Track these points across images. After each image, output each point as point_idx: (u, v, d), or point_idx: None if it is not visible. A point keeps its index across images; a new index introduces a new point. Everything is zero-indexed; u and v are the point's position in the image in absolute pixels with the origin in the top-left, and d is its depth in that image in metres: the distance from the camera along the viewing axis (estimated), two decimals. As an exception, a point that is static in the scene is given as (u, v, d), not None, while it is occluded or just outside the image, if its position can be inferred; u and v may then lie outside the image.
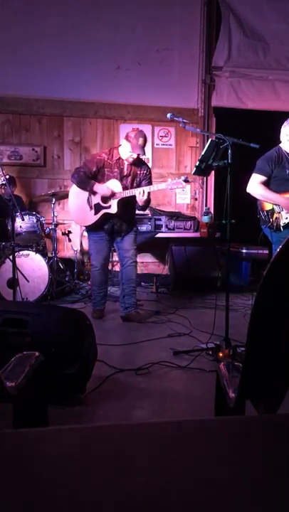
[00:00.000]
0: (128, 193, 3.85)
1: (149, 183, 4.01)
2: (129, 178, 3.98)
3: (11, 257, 3.92)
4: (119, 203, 3.88)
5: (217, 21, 6.30)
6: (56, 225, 5.11)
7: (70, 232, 5.44)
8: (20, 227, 4.62)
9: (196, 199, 6.49)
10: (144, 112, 6.17)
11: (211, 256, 5.70)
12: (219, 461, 0.67)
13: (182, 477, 0.62)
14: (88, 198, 4.01)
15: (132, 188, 3.92)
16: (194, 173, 3.38)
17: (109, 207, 3.92)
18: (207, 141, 3.21)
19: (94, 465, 0.65)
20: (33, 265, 4.54)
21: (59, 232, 5.35)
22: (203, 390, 2.44)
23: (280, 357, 1.05)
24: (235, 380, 1.19)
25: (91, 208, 4.00)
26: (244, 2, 6.20)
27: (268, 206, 3.69)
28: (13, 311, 2.41)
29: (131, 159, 3.91)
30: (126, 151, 3.91)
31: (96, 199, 3.97)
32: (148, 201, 3.92)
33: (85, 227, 4.17)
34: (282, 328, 1.01)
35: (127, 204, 3.95)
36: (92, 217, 4.00)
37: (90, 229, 4.11)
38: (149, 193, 3.84)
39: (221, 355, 3.01)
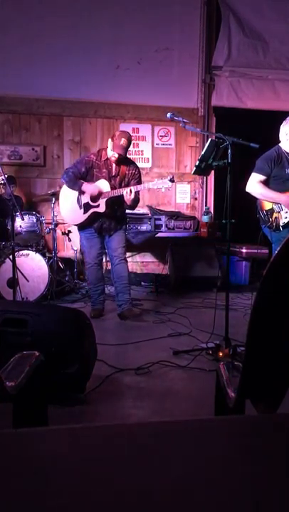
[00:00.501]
0: (116, 192, 3.92)
1: (138, 182, 4.07)
2: (118, 178, 4.05)
3: (10, 256, 3.92)
4: (107, 202, 3.96)
5: (217, 21, 6.29)
6: (56, 225, 5.11)
7: (69, 231, 5.44)
8: (20, 226, 4.62)
9: (196, 199, 6.49)
10: (143, 111, 6.16)
11: (211, 256, 5.70)
12: (219, 460, 0.67)
13: (182, 477, 0.62)
14: (78, 197, 4.10)
15: (120, 187, 3.98)
16: (194, 173, 3.39)
17: (97, 206, 4.00)
18: (207, 140, 3.21)
19: (94, 465, 0.65)
20: (33, 265, 4.54)
21: (59, 232, 5.34)
22: (203, 389, 2.44)
23: (279, 357, 1.05)
24: (235, 379, 1.19)
25: (80, 207, 4.09)
26: (244, 2, 6.19)
27: (267, 206, 3.69)
28: (13, 311, 2.41)
29: (113, 158, 3.98)
30: (110, 151, 4.01)
31: (85, 198, 4.06)
32: (136, 200, 3.98)
33: (76, 226, 4.25)
34: (282, 327, 1.01)
35: (116, 203, 4.02)
36: (82, 217, 4.09)
37: (81, 227, 4.19)
38: (137, 193, 3.91)
39: (220, 354, 3.01)
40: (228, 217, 3.08)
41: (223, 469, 0.65)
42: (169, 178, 3.90)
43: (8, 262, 4.23)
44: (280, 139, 3.73)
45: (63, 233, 5.41)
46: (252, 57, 6.32)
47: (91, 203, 4.03)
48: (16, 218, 4.18)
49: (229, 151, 3.02)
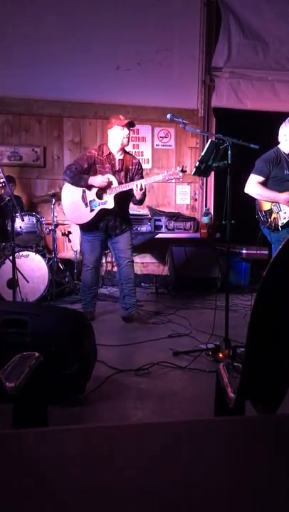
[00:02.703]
0: (124, 186, 3.77)
1: (141, 177, 3.97)
2: (122, 173, 3.90)
3: (10, 257, 3.92)
4: (115, 197, 3.79)
5: (217, 22, 6.30)
6: (56, 226, 5.11)
7: (69, 232, 5.44)
8: (20, 227, 4.62)
9: (195, 200, 6.49)
10: (143, 112, 6.16)
11: (211, 256, 5.70)
12: (219, 461, 0.67)
13: (182, 477, 0.62)
14: (82, 195, 3.90)
15: (126, 182, 3.84)
16: (194, 174, 3.39)
17: (105, 202, 3.83)
18: (207, 141, 3.21)
19: (94, 465, 0.65)
20: (33, 266, 4.54)
21: (59, 233, 5.34)
22: (203, 390, 2.44)
23: (279, 357, 1.05)
24: (235, 380, 1.19)
25: (86, 204, 3.88)
26: (244, 3, 6.20)
27: (266, 206, 3.70)
28: (13, 312, 2.41)
29: (125, 141, 3.86)
30: (112, 144, 3.87)
31: (91, 195, 3.87)
32: (145, 194, 3.85)
33: (80, 225, 4.03)
34: (282, 328, 1.01)
35: (123, 199, 3.88)
36: (89, 215, 3.88)
37: (85, 228, 4.00)
38: (144, 187, 3.78)
39: (220, 355, 3.01)
40: (228, 218, 3.08)
41: (223, 470, 0.65)
42: (179, 168, 3.80)
43: (8, 263, 4.23)
44: (279, 140, 3.74)
45: (63, 234, 5.41)
46: (252, 58, 6.32)
47: (97, 200, 3.86)
48: (16, 219, 4.18)
49: (229, 151, 3.03)
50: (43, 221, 4.97)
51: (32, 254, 4.56)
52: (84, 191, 3.89)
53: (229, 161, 3.03)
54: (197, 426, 0.80)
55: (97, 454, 0.68)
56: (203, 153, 3.15)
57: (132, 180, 3.89)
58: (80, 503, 0.56)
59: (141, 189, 3.71)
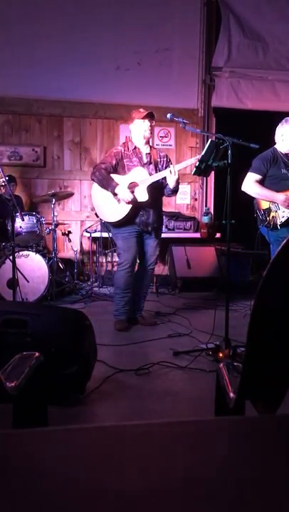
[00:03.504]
0: (156, 176, 3.67)
1: (169, 164, 3.86)
2: (151, 165, 3.79)
3: (10, 257, 3.92)
4: (148, 189, 3.65)
5: (217, 22, 6.31)
6: (56, 226, 5.11)
7: (70, 232, 5.44)
8: (20, 227, 4.62)
9: (196, 199, 6.49)
10: (144, 112, 6.16)
11: (211, 256, 5.71)
12: (219, 461, 0.67)
13: (182, 477, 0.62)
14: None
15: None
16: (194, 174, 3.38)
17: (138, 196, 3.67)
18: (207, 141, 3.20)
19: (94, 465, 0.65)
20: (33, 265, 4.54)
21: (59, 233, 5.35)
22: (203, 390, 2.44)
23: (279, 357, 1.05)
24: (235, 380, 1.19)
25: (119, 200, 3.70)
26: (244, 3, 6.20)
27: (264, 205, 3.72)
28: (13, 312, 2.41)
29: (146, 134, 3.76)
30: (136, 138, 3.79)
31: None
32: (178, 182, 3.71)
33: (113, 223, 3.80)
34: (282, 328, 1.01)
35: (156, 192, 3.75)
36: (123, 210, 3.70)
37: (119, 224, 3.77)
38: (178, 174, 3.63)
39: (220, 355, 3.01)
40: (228, 218, 3.08)
41: (223, 470, 0.65)
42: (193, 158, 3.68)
43: (8, 263, 4.23)
44: (276, 140, 3.78)
45: (63, 234, 5.41)
46: (252, 58, 6.33)
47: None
48: (16, 219, 4.17)
49: (229, 151, 3.03)
50: (43, 221, 4.97)
51: (32, 254, 4.56)
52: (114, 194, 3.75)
53: (229, 161, 3.03)
54: (197, 426, 0.80)
55: (97, 454, 0.68)
56: (203, 153, 3.15)
57: (165, 169, 3.77)
58: (80, 504, 0.56)
59: (175, 174, 3.60)
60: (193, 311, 4.58)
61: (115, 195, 3.68)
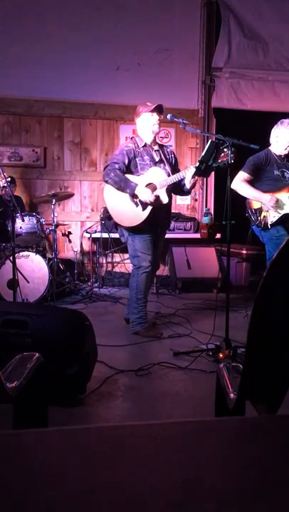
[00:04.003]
0: (175, 177, 3.48)
1: (177, 161, 3.80)
2: (164, 164, 3.63)
3: (11, 258, 3.92)
4: (168, 190, 3.52)
5: (217, 22, 6.31)
6: (56, 226, 5.11)
7: (70, 233, 5.44)
8: (21, 228, 4.62)
9: (196, 200, 6.49)
10: (144, 112, 6.16)
11: (211, 257, 5.71)
12: (219, 461, 0.67)
13: (182, 478, 0.62)
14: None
15: (172, 173, 3.58)
16: (194, 174, 3.39)
17: (157, 198, 3.50)
18: (207, 142, 3.21)
19: (94, 466, 0.65)
20: (33, 266, 4.54)
21: (59, 233, 5.35)
22: (204, 390, 2.44)
23: (280, 358, 1.05)
24: (236, 380, 1.19)
25: (137, 204, 3.49)
26: (244, 3, 6.20)
27: (256, 205, 3.75)
28: (13, 312, 2.41)
29: (156, 128, 3.59)
30: (147, 130, 3.61)
31: None
32: (196, 183, 3.62)
33: (133, 228, 3.57)
34: (283, 328, 1.01)
35: (169, 191, 3.59)
36: (142, 214, 3.49)
37: (138, 228, 3.55)
38: None
39: (221, 356, 3.01)
40: (228, 219, 3.08)
41: (223, 471, 0.65)
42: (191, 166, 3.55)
43: (8, 263, 4.23)
44: (271, 141, 3.81)
45: (63, 234, 5.41)
46: (252, 59, 6.33)
47: None
48: (17, 219, 4.18)
49: (229, 152, 3.03)
50: (44, 221, 4.97)
51: (32, 254, 4.57)
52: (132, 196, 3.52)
53: (229, 162, 3.03)
54: (197, 426, 0.80)
55: (97, 455, 0.68)
56: (203, 154, 3.15)
57: (175, 169, 3.68)
58: (80, 504, 0.56)
59: (193, 177, 3.47)
60: (194, 311, 4.58)
61: (134, 197, 3.47)
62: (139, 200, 3.47)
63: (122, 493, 0.58)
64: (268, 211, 3.66)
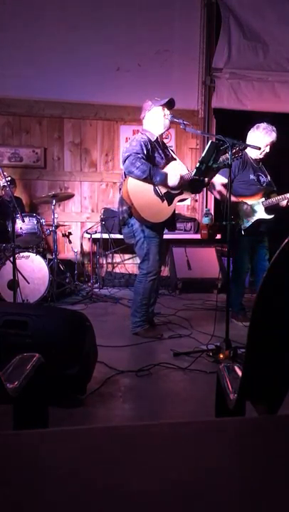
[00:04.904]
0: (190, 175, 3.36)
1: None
2: (177, 160, 3.57)
3: (11, 258, 3.92)
4: (191, 185, 3.42)
5: (217, 23, 6.31)
6: (56, 227, 5.11)
7: (70, 233, 5.44)
8: (21, 228, 4.62)
9: (196, 200, 6.49)
10: (144, 113, 6.17)
11: (211, 257, 5.71)
12: (219, 462, 0.67)
13: (182, 478, 0.62)
14: (155, 189, 3.36)
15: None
16: (195, 175, 3.39)
17: (181, 193, 3.41)
18: (207, 142, 3.21)
19: (94, 466, 0.65)
20: (34, 267, 4.54)
21: (59, 234, 5.35)
22: (204, 391, 2.44)
23: (280, 358, 1.05)
24: (236, 381, 1.19)
25: (162, 199, 3.36)
26: (244, 4, 6.21)
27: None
28: (14, 313, 2.41)
29: (167, 121, 3.47)
30: (158, 124, 3.48)
31: (163, 188, 3.39)
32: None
33: (150, 224, 3.40)
34: (283, 329, 1.01)
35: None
36: (169, 209, 3.38)
37: (155, 227, 3.43)
38: None
39: (221, 356, 3.01)
40: (228, 219, 3.08)
41: (224, 471, 0.65)
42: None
43: (8, 264, 4.23)
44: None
45: (64, 235, 5.41)
46: (252, 59, 6.33)
47: (172, 192, 3.40)
48: (17, 220, 4.18)
49: (229, 152, 3.03)
50: (44, 222, 4.97)
51: (32, 255, 4.57)
52: (156, 185, 3.39)
53: (230, 162, 3.04)
54: (198, 427, 0.80)
55: (97, 455, 0.68)
56: (203, 154, 3.15)
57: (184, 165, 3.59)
58: (80, 504, 0.56)
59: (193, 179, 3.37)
60: (194, 312, 4.58)
61: (162, 187, 3.33)
62: (165, 194, 3.34)
63: (123, 493, 0.58)
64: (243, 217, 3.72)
